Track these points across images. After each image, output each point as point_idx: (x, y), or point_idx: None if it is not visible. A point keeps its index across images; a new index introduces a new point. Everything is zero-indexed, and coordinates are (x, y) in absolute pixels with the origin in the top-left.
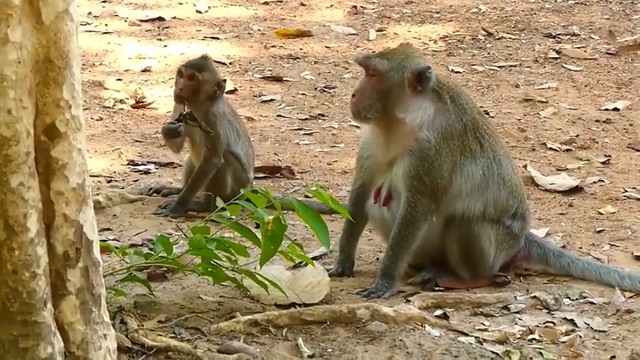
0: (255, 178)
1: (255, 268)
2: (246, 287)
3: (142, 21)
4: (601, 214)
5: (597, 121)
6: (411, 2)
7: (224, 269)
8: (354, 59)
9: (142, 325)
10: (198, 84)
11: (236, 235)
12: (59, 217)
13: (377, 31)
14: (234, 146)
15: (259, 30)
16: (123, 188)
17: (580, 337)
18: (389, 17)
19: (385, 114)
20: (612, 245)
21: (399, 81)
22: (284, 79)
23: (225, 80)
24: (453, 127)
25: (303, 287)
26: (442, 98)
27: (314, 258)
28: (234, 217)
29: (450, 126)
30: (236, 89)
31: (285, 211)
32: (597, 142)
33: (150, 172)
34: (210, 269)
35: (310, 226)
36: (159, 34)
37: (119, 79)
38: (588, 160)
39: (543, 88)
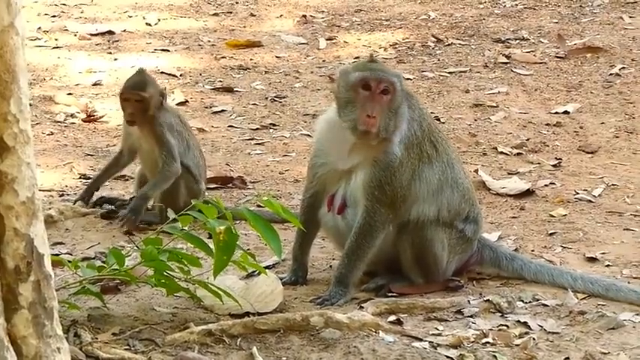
0: (208, 188)
1: (208, 278)
2: (200, 297)
3: (91, 35)
4: (553, 216)
5: (548, 124)
6: (361, 10)
7: (177, 280)
8: (361, 80)
9: (96, 338)
10: (145, 102)
11: (189, 246)
12: (9, 232)
13: (327, 39)
14: (185, 157)
15: (209, 41)
16: (75, 202)
17: (534, 339)
18: (338, 26)
19: (390, 130)
20: (564, 247)
21: (402, 96)
22: (235, 89)
23: (165, 88)
24: (416, 136)
25: (256, 296)
26: (411, 105)
27: (267, 267)
28: (186, 228)
29: (412, 135)
30: (187, 101)
31: (237, 221)
32: (548, 146)
33: (102, 186)
34: (163, 280)
35: (262, 235)
36: (109, 48)
37: (70, 94)
38: (539, 163)
39: (494, 93)
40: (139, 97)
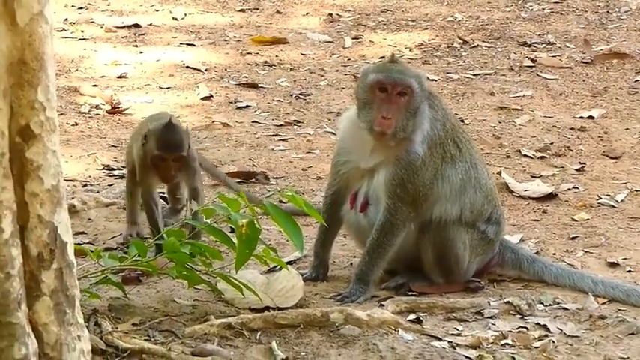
0: None
1: (229, 271)
2: (221, 290)
3: (118, 27)
4: (575, 220)
5: (572, 129)
6: (387, 10)
7: (198, 272)
8: (375, 82)
9: (116, 328)
10: (185, 159)
11: (211, 239)
12: (34, 219)
13: (352, 38)
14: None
15: (235, 37)
16: (98, 192)
17: (553, 342)
18: (364, 25)
19: (408, 131)
20: (586, 252)
21: (422, 96)
22: (259, 85)
23: (187, 126)
24: (438, 135)
25: (277, 291)
26: (433, 105)
27: (288, 262)
28: (208, 221)
29: (435, 135)
30: (212, 95)
31: (260, 216)
32: (572, 150)
33: (125, 177)
34: (184, 272)
35: (284, 229)
36: (135, 41)
37: (95, 85)
38: (562, 167)
39: (518, 96)
40: (180, 158)
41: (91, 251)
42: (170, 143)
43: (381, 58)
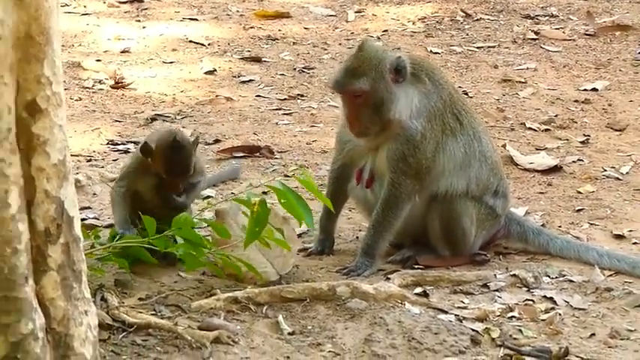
0: (235, 157)
1: (232, 250)
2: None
3: (120, 2)
4: (580, 193)
5: (576, 101)
6: None
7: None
8: (330, 88)
9: (123, 303)
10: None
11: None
12: (40, 194)
13: (355, 12)
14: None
15: (238, 11)
16: (103, 167)
17: (560, 314)
18: None
19: (382, 120)
20: (591, 224)
21: (384, 87)
22: (263, 59)
23: (197, 137)
24: (436, 107)
25: (274, 258)
26: (421, 79)
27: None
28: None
29: (432, 107)
30: (215, 70)
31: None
32: (576, 122)
33: (129, 152)
34: (189, 252)
35: (293, 211)
36: (137, 16)
37: (98, 60)
38: (567, 139)
39: (522, 69)
40: (189, 174)
41: (89, 231)
42: (178, 164)
43: (384, 31)
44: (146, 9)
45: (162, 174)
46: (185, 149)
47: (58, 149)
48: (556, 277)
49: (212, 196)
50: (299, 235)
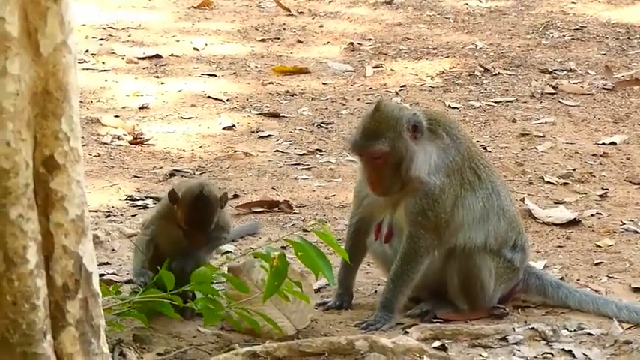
0: (253, 212)
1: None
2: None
3: (139, 58)
4: (599, 246)
5: (594, 155)
6: (408, 39)
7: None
8: (349, 150)
9: (141, 358)
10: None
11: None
12: (58, 249)
13: (373, 67)
14: None
15: (256, 67)
16: (121, 223)
17: None
18: (385, 54)
19: (402, 178)
20: (610, 277)
21: (403, 146)
22: (281, 115)
23: (226, 193)
24: (454, 162)
25: (291, 312)
26: (438, 134)
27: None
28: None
29: (451, 162)
30: (234, 125)
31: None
32: (594, 176)
33: (148, 207)
34: (208, 305)
35: (312, 266)
36: (156, 72)
37: (117, 116)
38: (585, 193)
39: (540, 123)
40: (209, 229)
41: (109, 287)
42: (202, 215)
43: (403, 86)
44: (164, 65)
45: (182, 224)
46: (209, 203)
47: (77, 205)
48: (575, 330)
49: (230, 251)
50: (317, 290)
